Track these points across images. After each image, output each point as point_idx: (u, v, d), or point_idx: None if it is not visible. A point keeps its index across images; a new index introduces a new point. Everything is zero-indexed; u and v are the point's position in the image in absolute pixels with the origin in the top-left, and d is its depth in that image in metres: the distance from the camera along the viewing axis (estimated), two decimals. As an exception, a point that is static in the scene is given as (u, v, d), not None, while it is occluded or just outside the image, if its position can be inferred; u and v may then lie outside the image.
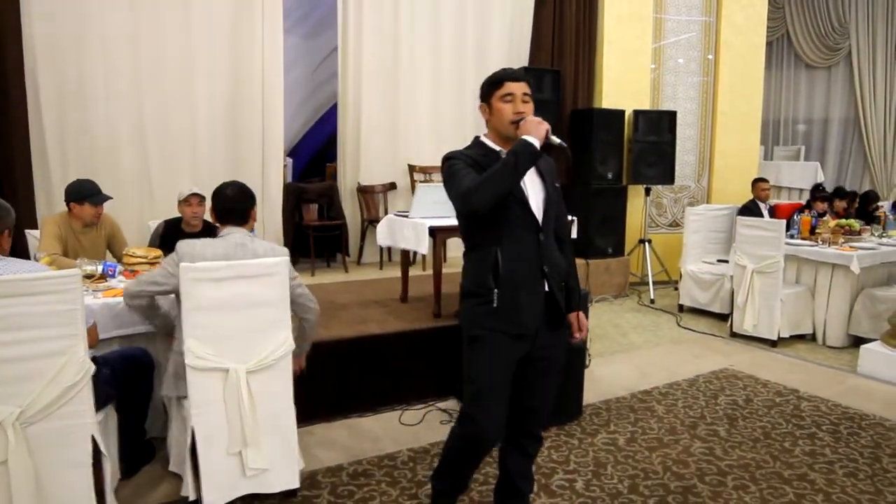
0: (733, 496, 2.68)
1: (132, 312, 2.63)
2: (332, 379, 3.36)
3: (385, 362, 3.48)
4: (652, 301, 6.12)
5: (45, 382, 2.11)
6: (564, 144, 2.10)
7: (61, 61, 4.44)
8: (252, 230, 2.68)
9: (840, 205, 6.40)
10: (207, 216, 3.49)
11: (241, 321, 2.40)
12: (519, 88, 2.11)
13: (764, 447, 3.14)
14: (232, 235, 2.53)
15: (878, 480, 2.83)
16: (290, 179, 5.81)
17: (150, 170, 4.76)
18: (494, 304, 2.06)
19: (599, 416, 3.50)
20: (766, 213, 5.94)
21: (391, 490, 2.67)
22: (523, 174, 2.01)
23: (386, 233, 3.99)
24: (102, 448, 2.26)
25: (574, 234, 4.47)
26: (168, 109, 4.83)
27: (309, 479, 2.74)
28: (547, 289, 2.12)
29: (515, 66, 6.03)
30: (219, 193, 2.59)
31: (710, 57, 6.84)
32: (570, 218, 4.26)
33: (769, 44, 9.12)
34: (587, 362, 4.28)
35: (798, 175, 7.86)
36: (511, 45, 6.27)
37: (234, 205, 2.58)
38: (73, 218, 3.41)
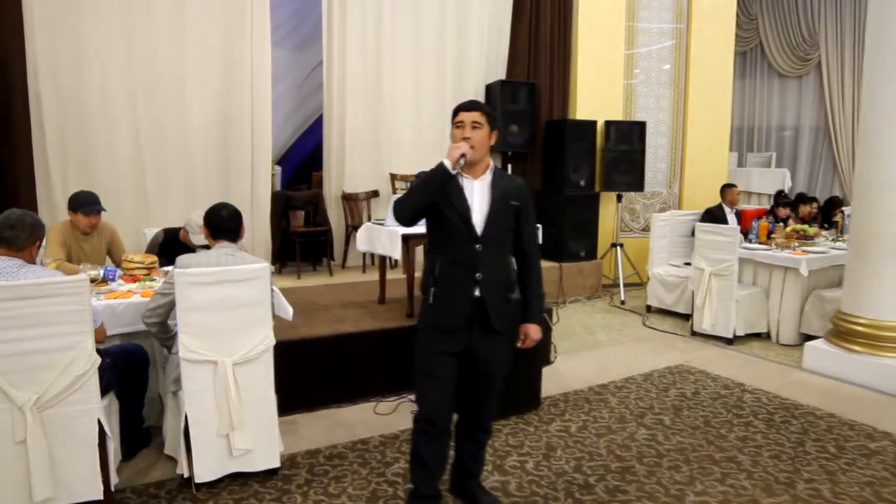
0: (666, 475, 3.02)
1: (150, 332, 2.93)
2: (313, 373, 3.70)
3: (361, 358, 3.81)
4: (622, 302, 6.47)
5: (58, 372, 2.46)
6: (460, 172, 2.37)
7: (61, 76, 4.78)
8: (240, 246, 3.02)
9: (805, 209, 6.76)
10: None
11: (229, 320, 2.74)
12: (469, 117, 2.41)
13: (702, 434, 3.48)
14: (223, 248, 2.87)
15: (798, 461, 3.17)
16: (279, 187, 6.13)
17: (145, 179, 5.09)
18: (430, 302, 2.40)
19: (557, 406, 3.84)
20: (731, 217, 6.26)
21: (362, 469, 3.01)
22: (436, 191, 2.32)
23: (365, 239, 4.33)
24: (107, 429, 2.59)
25: (539, 241, 4.82)
26: (162, 121, 5.17)
27: (289, 460, 3.08)
28: (478, 294, 2.38)
29: (493, 79, 6.43)
30: (214, 214, 2.92)
31: (680, 69, 7.20)
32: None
33: (743, 54, 9.52)
34: (553, 359, 4.64)
35: (768, 181, 8.23)
36: (489, 59, 6.62)
37: (227, 224, 2.92)
38: (74, 226, 3.75)
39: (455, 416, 2.59)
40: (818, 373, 4.48)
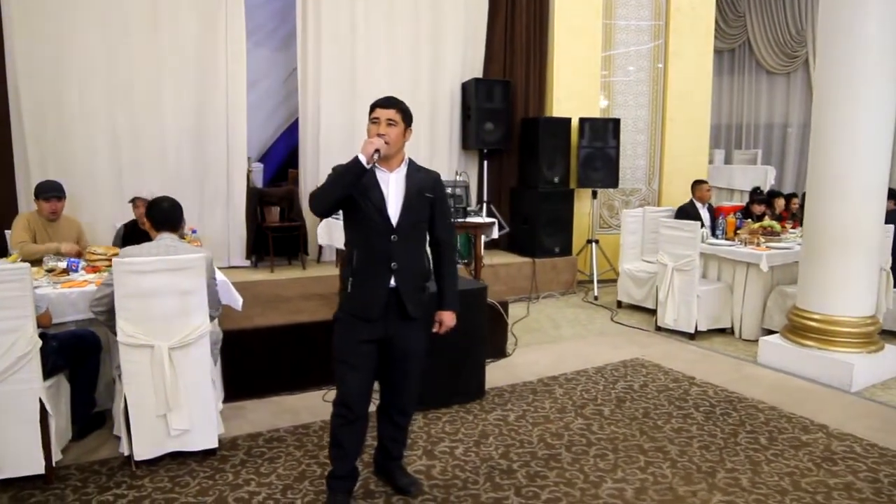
0: (590, 462, 3.11)
1: (98, 319, 3.05)
2: (265, 362, 3.85)
3: (313, 347, 3.95)
4: (596, 298, 6.55)
5: (0, 353, 2.63)
6: (375, 165, 2.48)
7: (40, 76, 4.98)
8: (181, 237, 3.17)
9: (779, 204, 6.79)
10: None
11: (165, 307, 2.89)
12: (384, 114, 2.52)
13: (637, 425, 3.57)
14: (164, 239, 3.03)
15: (727, 452, 3.24)
16: (260, 184, 6.30)
17: (122, 176, 5.29)
18: (348, 291, 2.53)
19: (502, 396, 3.95)
20: (704, 213, 6.30)
21: (296, 452, 3.15)
22: (350, 184, 2.42)
23: (324, 233, 4.48)
24: (49, 408, 2.76)
25: (495, 235, 4.94)
26: (138, 119, 5.36)
27: (230, 442, 3.23)
28: (394, 284, 2.51)
29: (468, 78, 6.53)
30: (155, 205, 3.08)
31: (659, 66, 7.25)
32: (490, 220, 4.73)
33: (731, 51, 9.52)
34: (510, 351, 4.76)
35: (750, 178, 8.24)
36: (465, 59, 6.73)
37: (168, 216, 3.07)
38: (38, 212, 3.98)
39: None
40: (771, 367, 4.55)
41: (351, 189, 2.44)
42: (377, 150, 2.42)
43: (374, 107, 2.57)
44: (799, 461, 3.16)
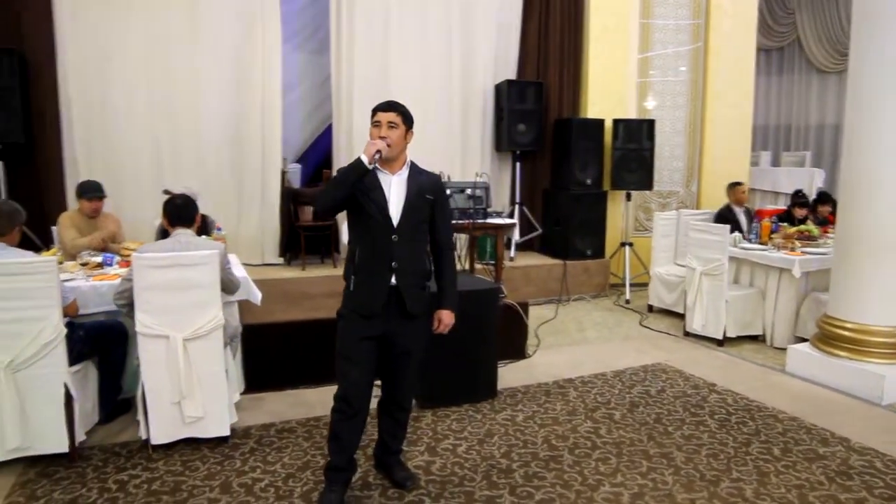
0: (591, 465, 3.10)
1: (122, 311, 3.24)
2: (284, 355, 3.99)
3: (330, 343, 4.04)
4: (627, 301, 6.46)
5: (29, 339, 2.85)
6: (377, 167, 2.57)
7: (88, 82, 5.33)
8: (196, 232, 3.34)
9: (824, 209, 6.52)
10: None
11: (180, 300, 3.05)
12: (385, 117, 2.61)
13: (647, 430, 3.52)
14: (179, 235, 3.20)
15: (735, 461, 3.16)
16: (297, 185, 6.50)
17: (163, 177, 5.56)
18: (351, 289, 2.61)
19: (514, 397, 3.97)
20: (742, 217, 6.11)
21: (304, 443, 3.27)
22: (351, 184, 2.51)
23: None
24: (73, 392, 2.97)
25: (516, 236, 4.95)
26: (179, 124, 5.64)
27: (243, 431, 3.38)
28: (394, 282, 2.59)
29: (501, 80, 6.55)
30: (170, 202, 3.26)
31: (698, 66, 7.08)
32: (511, 221, 4.75)
33: (780, 49, 9.17)
34: (530, 352, 4.77)
35: (795, 181, 7.92)
36: (498, 59, 6.74)
37: (182, 212, 3.25)
38: (80, 211, 4.26)
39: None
40: (799, 377, 4.40)
41: (352, 189, 2.52)
42: (378, 151, 2.51)
43: (375, 110, 2.66)
44: (811, 474, 3.05)
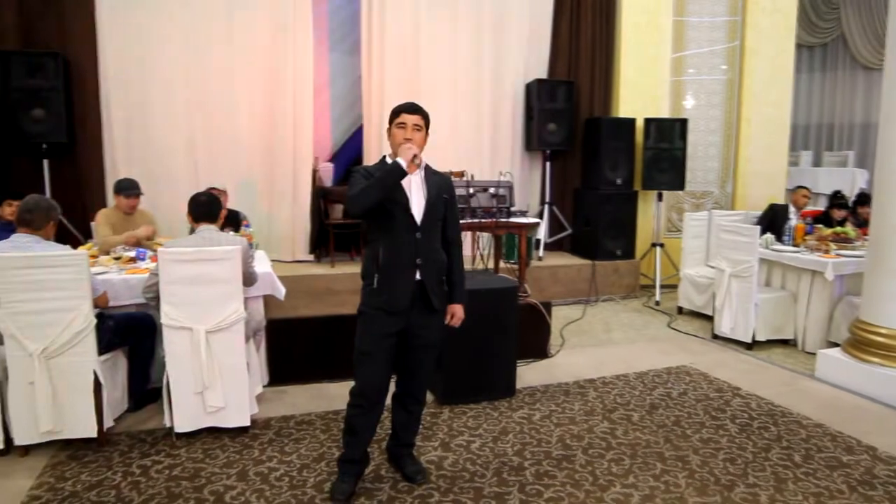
0: (604, 465, 3.09)
1: (150, 304, 3.37)
2: (309, 349, 4.09)
3: (352, 338, 4.14)
4: (657, 303, 6.37)
5: (61, 329, 3.01)
6: (422, 164, 2.63)
7: (128, 85, 5.55)
8: (220, 228, 3.45)
9: (864, 211, 6.30)
10: (229, 205, 4.40)
11: (203, 293, 3.17)
12: (411, 119, 2.66)
13: (664, 432, 3.48)
14: (203, 231, 3.32)
15: (753, 466, 3.11)
16: (329, 183, 6.60)
17: (198, 175, 5.75)
18: (374, 287, 2.67)
19: (533, 396, 3.97)
20: (794, 219, 5.95)
21: (322, 435, 3.35)
22: (390, 187, 2.56)
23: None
24: (101, 380, 3.11)
25: (540, 235, 4.94)
26: (214, 124, 5.83)
27: (263, 422, 3.48)
28: (419, 277, 2.66)
29: (532, 78, 6.54)
30: (194, 200, 3.38)
31: (734, 64, 6.92)
32: (535, 220, 4.76)
33: (823, 46, 8.88)
34: (552, 352, 4.77)
35: (836, 182, 7.66)
36: (529, 59, 6.72)
37: (206, 209, 3.37)
38: (117, 207, 4.44)
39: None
40: (829, 382, 4.28)
41: (389, 192, 2.57)
42: (416, 155, 2.56)
43: (399, 111, 2.69)
44: (831, 482, 2.97)
